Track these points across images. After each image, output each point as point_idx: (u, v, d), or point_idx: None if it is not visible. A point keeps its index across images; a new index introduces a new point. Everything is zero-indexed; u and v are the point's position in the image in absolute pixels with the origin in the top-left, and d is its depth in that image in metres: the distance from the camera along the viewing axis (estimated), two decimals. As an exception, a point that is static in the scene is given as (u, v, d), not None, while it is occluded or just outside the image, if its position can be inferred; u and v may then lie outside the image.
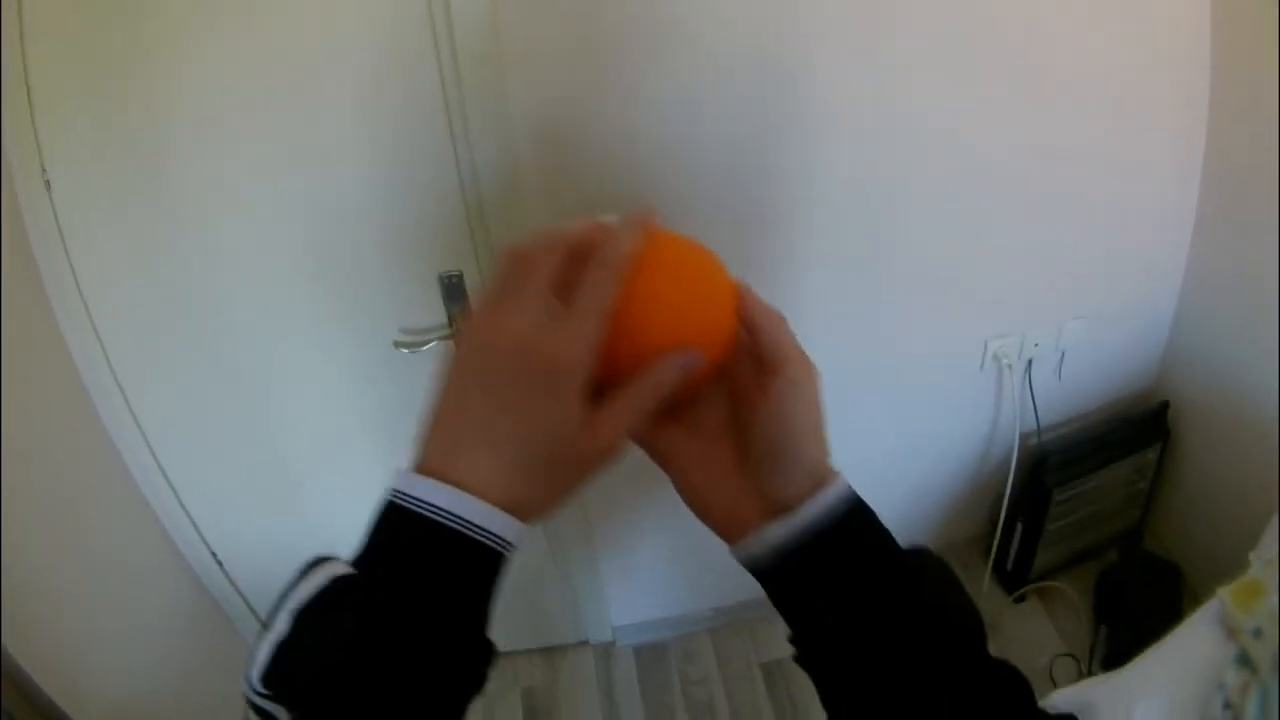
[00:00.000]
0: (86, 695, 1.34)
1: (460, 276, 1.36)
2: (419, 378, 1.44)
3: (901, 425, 1.71)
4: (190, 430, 1.55)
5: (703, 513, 0.47)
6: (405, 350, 1.38)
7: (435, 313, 1.39)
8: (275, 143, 1.23)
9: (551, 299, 0.40)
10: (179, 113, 1.19)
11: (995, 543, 1.87)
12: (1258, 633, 1.18)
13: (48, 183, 1.23)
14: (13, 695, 1.19)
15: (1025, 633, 1.90)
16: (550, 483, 0.41)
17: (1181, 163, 1.61)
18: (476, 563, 0.39)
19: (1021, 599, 1.94)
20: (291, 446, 1.57)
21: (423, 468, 0.40)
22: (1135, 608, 1.84)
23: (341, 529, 1.69)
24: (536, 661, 1.87)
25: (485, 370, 0.40)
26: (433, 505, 0.38)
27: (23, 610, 1.23)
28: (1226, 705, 1.12)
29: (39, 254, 1.29)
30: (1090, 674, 1.81)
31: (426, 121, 1.22)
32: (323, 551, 0.42)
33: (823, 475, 0.44)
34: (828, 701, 0.44)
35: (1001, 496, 1.80)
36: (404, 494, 0.39)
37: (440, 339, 1.38)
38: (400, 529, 0.39)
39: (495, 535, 0.39)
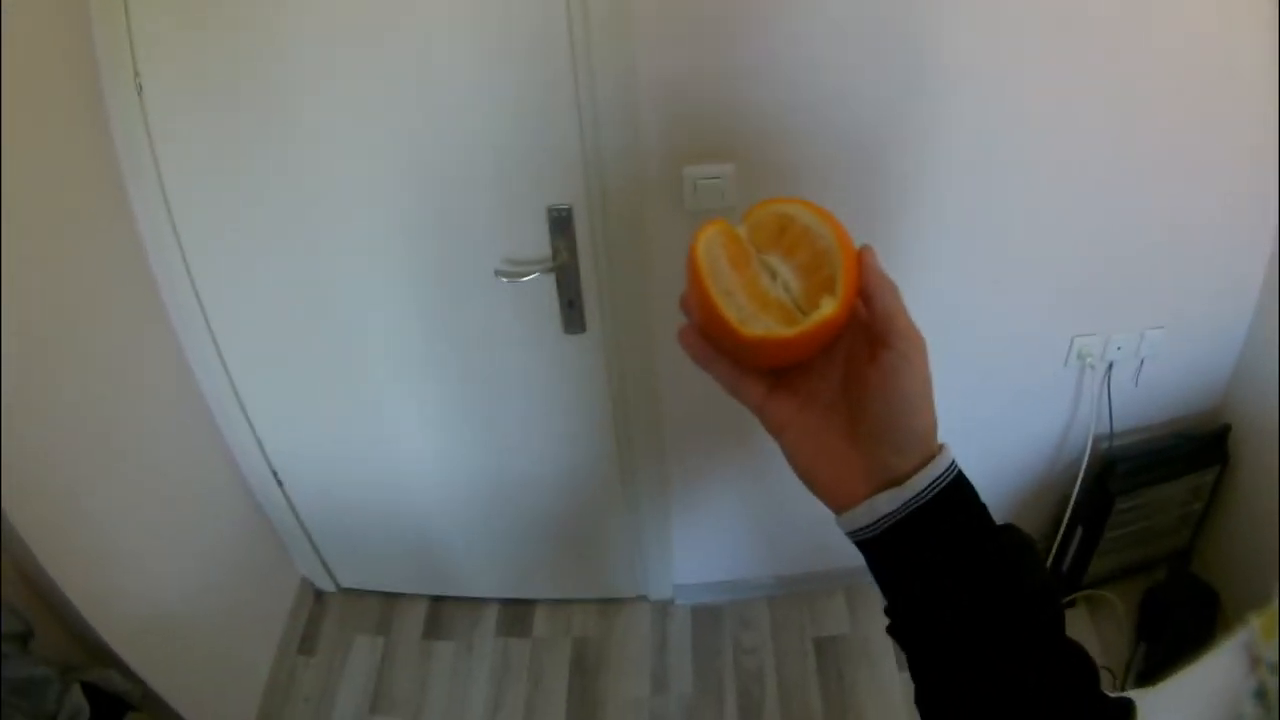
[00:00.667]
0: (114, 604, 1.32)
1: (569, 210, 1.36)
2: (514, 307, 1.46)
3: (977, 409, 1.70)
4: (267, 347, 1.55)
5: (811, 481, 0.48)
6: (505, 280, 1.39)
7: (540, 245, 1.39)
8: (391, 60, 1.23)
9: None
10: (280, 20, 1.18)
11: (1056, 543, 1.86)
12: (1272, 667, 1.17)
13: (140, 85, 1.23)
14: (28, 596, 1.17)
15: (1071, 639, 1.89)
16: None
17: (1264, 180, 1.60)
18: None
19: (1071, 604, 1.94)
20: (372, 369, 1.57)
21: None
22: (1175, 629, 1.84)
23: (408, 457, 1.69)
24: (592, 613, 1.87)
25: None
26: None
27: (60, 515, 1.22)
28: None
29: (124, 158, 1.29)
30: (1123, 689, 1.80)
31: (551, 56, 1.22)
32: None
33: (930, 448, 0.45)
34: (916, 672, 0.47)
35: (1067, 497, 1.79)
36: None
37: (542, 271, 1.39)
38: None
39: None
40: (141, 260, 1.41)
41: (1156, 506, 1.88)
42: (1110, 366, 1.70)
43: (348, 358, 1.57)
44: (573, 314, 1.44)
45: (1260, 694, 1.16)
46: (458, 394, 1.59)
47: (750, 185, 1.35)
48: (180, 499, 1.56)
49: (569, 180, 1.34)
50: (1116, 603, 1.94)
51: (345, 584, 1.92)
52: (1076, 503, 1.79)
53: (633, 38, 1.19)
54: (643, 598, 1.88)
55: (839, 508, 0.47)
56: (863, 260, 0.46)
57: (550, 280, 1.42)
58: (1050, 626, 0.45)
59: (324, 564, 1.87)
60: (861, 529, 0.46)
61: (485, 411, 1.60)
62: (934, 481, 0.44)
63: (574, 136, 1.30)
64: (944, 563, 0.44)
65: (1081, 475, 1.75)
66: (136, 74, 1.22)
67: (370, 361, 1.57)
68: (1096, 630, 1.92)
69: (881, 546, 0.45)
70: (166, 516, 1.51)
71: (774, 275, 0.46)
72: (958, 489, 0.45)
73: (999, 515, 1.71)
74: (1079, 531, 1.83)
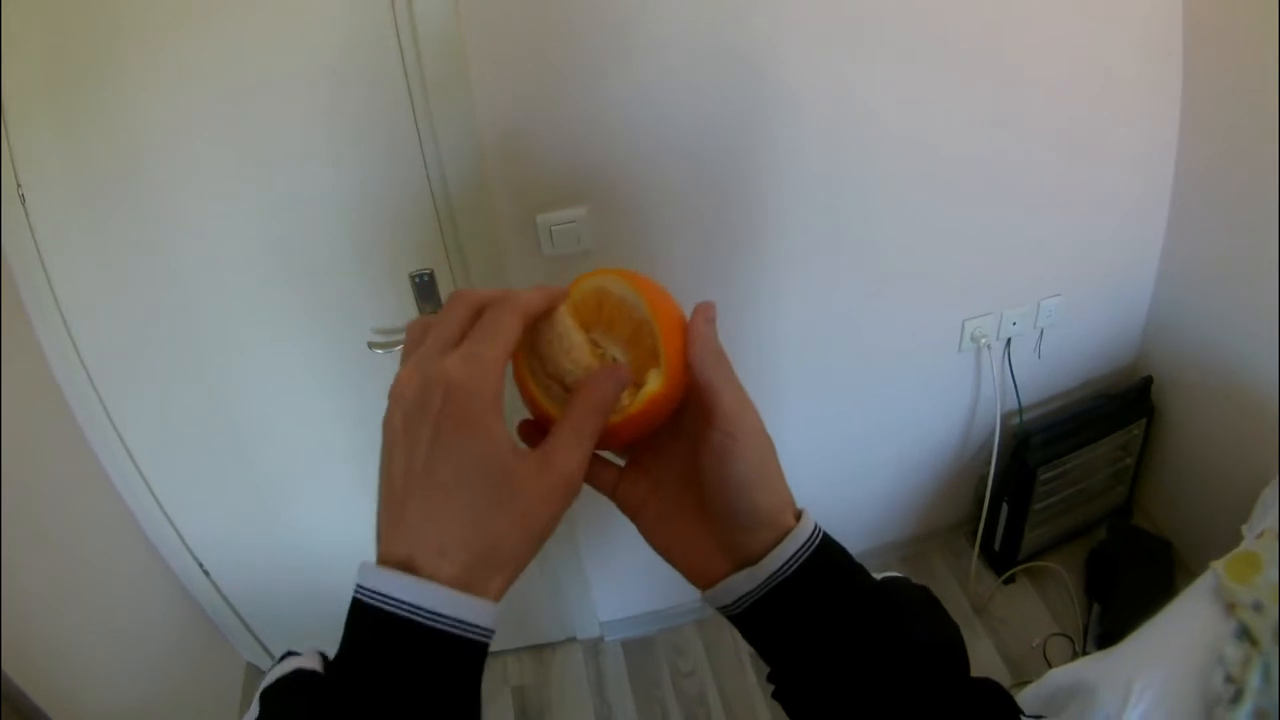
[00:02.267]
0: (76, 706, 1.34)
1: (431, 274, 1.36)
2: (392, 377, 1.45)
3: (882, 411, 1.71)
4: (170, 438, 1.55)
5: (671, 561, 0.46)
6: (379, 351, 1.38)
7: (408, 312, 1.39)
8: (241, 146, 1.22)
9: (447, 340, 0.38)
10: (147, 120, 1.18)
11: (981, 525, 1.87)
12: (1258, 606, 1.18)
13: (22, 197, 1.22)
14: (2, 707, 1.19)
15: (1016, 614, 1.90)
16: (509, 524, 0.37)
17: (1156, 139, 1.61)
18: (456, 657, 0.35)
19: (1011, 580, 1.94)
20: (271, 452, 1.57)
21: (382, 554, 0.37)
22: (1127, 584, 1.84)
23: (322, 532, 1.71)
24: (525, 660, 1.87)
25: (397, 425, 0.38)
26: (397, 600, 0.34)
27: (9, 622, 1.22)
28: (1228, 679, 1.13)
29: (15, 266, 1.29)
30: (1085, 652, 1.81)
31: (393, 123, 1.21)
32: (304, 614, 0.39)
33: (781, 525, 0.43)
34: None
35: (986, 478, 1.80)
36: (364, 588, 0.35)
37: (413, 338, 1.38)
38: (369, 627, 0.35)
39: (458, 621, 0.35)
40: (46, 371, 1.41)
41: (1085, 470, 1.88)
42: (1008, 343, 1.70)
43: (251, 447, 1.57)
44: (450, 376, 1.43)
45: (1243, 633, 1.18)
46: (358, 469, 1.58)
47: (605, 225, 1.34)
48: (118, 601, 1.57)
49: (427, 245, 1.34)
50: (1059, 570, 1.94)
51: (288, 665, 1.91)
52: (995, 481, 1.79)
53: (471, 93, 1.19)
54: (571, 639, 1.88)
55: (700, 586, 0.45)
56: (689, 326, 0.43)
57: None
58: (947, 673, 0.43)
59: (263, 646, 1.87)
60: (724, 607, 0.44)
61: (386, 482, 1.60)
62: (790, 559, 0.42)
63: (426, 200, 1.30)
64: (816, 631, 0.42)
65: (995, 454, 1.75)
66: (19, 185, 1.21)
67: (271, 447, 1.57)
68: (1044, 600, 1.93)
69: (748, 621, 0.44)
70: (109, 620, 1.52)
71: (602, 352, 0.44)
72: (822, 557, 0.43)
73: (923, 506, 1.75)
74: (1004, 509, 1.83)
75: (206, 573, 1.73)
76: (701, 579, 0.45)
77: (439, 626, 0.34)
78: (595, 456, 0.45)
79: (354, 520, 1.66)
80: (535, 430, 0.45)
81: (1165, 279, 1.81)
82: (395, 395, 0.38)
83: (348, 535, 1.68)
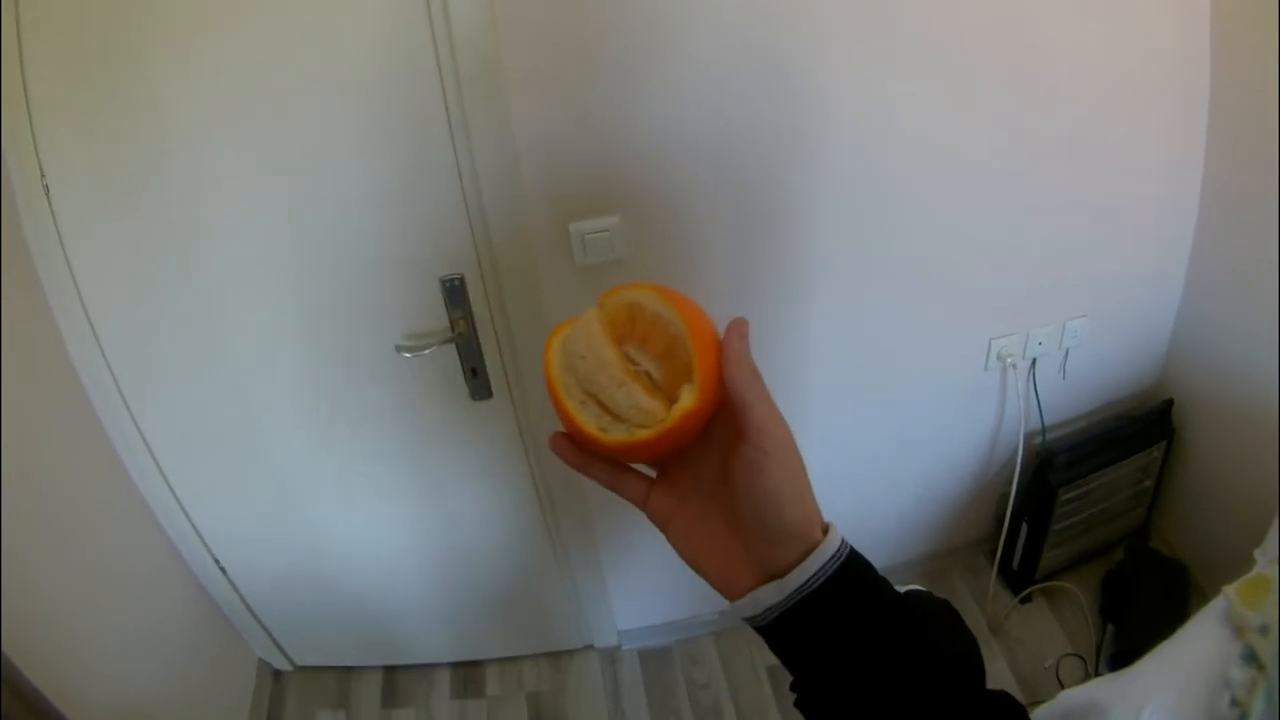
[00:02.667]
0: (88, 701, 1.34)
1: (461, 280, 1.35)
2: (420, 382, 1.45)
3: (906, 428, 1.71)
4: (192, 437, 1.55)
5: (698, 570, 0.47)
6: (408, 354, 1.38)
7: (437, 317, 1.38)
8: (270, 145, 1.22)
9: None
10: (176, 120, 1.18)
11: (1001, 543, 1.86)
12: (1264, 630, 1.18)
13: (46, 187, 1.23)
14: (12, 700, 1.18)
15: (1032, 633, 1.89)
16: None
17: (1182, 160, 1.60)
18: None
19: (1028, 599, 1.93)
20: (292, 451, 1.57)
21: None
22: (1142, 607, 1.83)
23: (341, 532, 1.71)
24: (543, 666, 1.86)
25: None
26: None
27: (24, 616, 1.22)
28: (1234, 703, 1.12)
29: (39, 260, 1.29)
30: (1097, 674, 1.80)
31: (426, 127, 1.21)
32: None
33: (809, 539, 0.43)
34: None
35: (1007, 497, 1.79)
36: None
37: (441, 343, 1.38)
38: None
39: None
40: (66, 363, 1.40)
41: (1105, 491, 1.87)
42: (1034, 363, 1.69)
43: (271, 445, 1.57)
44: (477, 382, 1.43)
45: (1249, 657, 1.17)
46: (380, 471, 1.58)
47: (638, 234, 1.34)
48: (133, 596, 1.57)
49: (459, 250, 1.34)
50: (1075, 591, 1.93)
51: (300, 662, 1.91)
52: (1016, 501, 1.78)
53: (507, 100, 1.19)
54: (589, 646, 1.88)
55: (727, 597, 0.46)
56: (723, 344, 0.44)
57: (452, 350, 1.41)
58: (964, 686, 0.44)
59: (277, 645, 1.87)
60: (750, 618, 0.45)
61: (408, 484, 1.60)
62: (815, 574, 0.43)
63: (458, 205, 1.29)
64: (840, 644, 0.43)
65: (1017, 473, 1.74)
66: (43, 175, 1.21)
67: (292, 446, 1.57)
68: (1059, 620, 1.92)
69: (774, 633, 0.44)
70: (123, 615, 1.52)
71: (636, 365, 0.45)
72: (848, 572, 0.43)
73: (944, 523, 1.74)
74: (1024, 528, 1.82)
75: (223, 569, 1.74)
76: (729, 590, 0.46)
77: None
78: (627, 469, 0.48)
79: (372, 521, 1.66)
80: (569, 443, 0.47)
81: (1189, 301, 1.81)
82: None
83: (366, 535, 1.68)
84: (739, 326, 0.45)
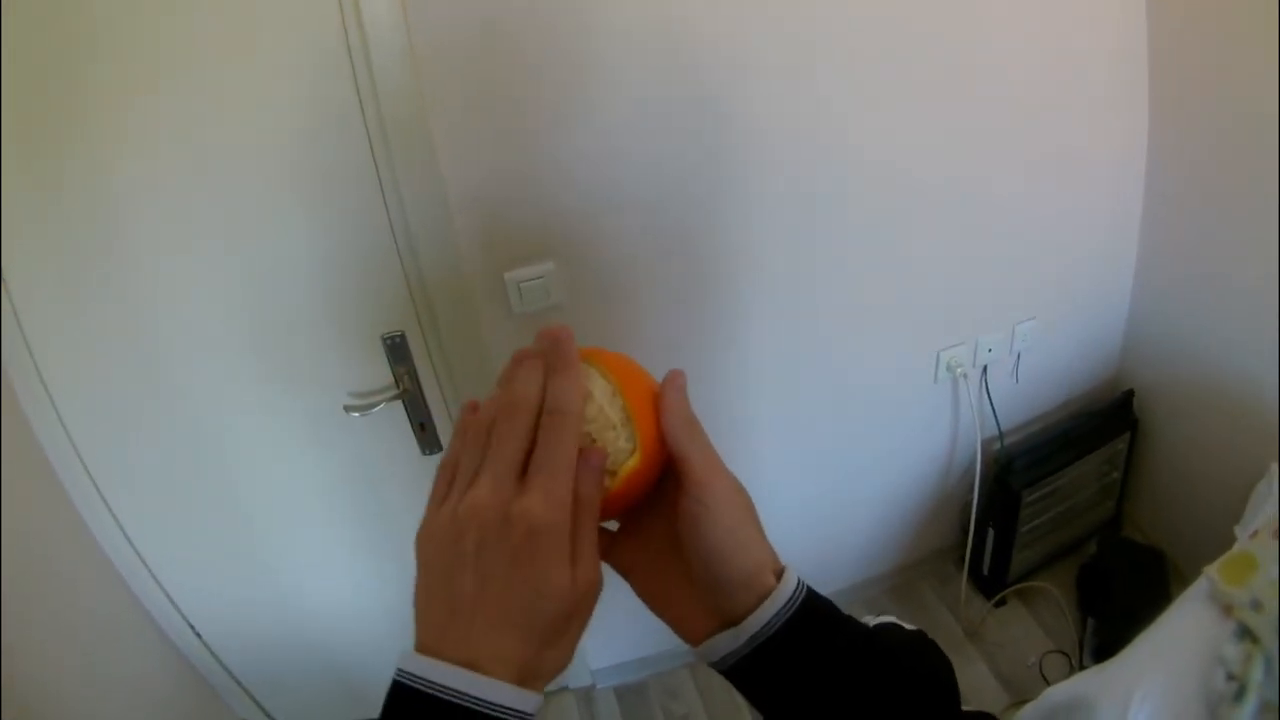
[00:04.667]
0: None
1: (402, 336, 1.36)
2: (371, 440, 1.46)
3: (860, 447, 1.71)
4: (156, 504, 1.55)
5: (662, 618, 0.48)
6: (355, 414, 1.39)
7: (382, 374, 1.39)
8: (208, 213, 1.23)
9: (517, 469, 0.41)
10: (118, 185, 1.19)
11: (968, 551, 1.86)
12: (1256, 605, 1.19)
13: (0, 276, 1.23)
14: None
15: (1010, 635, 1.89)
16: (558, 638, 0.41)
17: (1124, 157, 1.62)
18: None
19: (1002, 602, 1.94)
20: (255, 515, 1.57)
21: (426, 647, 0.39)
22: (1121, 596, 1.84)
23: (311, 591, 1.70)
24: (518, 709, 1.84)
25: (464, 549, 0.40)
26: (442, 686, 0.37)
27: (5, 691, 1.23)
28: (1229, 677, 1.14)
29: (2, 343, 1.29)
30: (1082, 668, 1.81)
31: (358, 186, 1.22)
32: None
33: (763, 585, 0.43)
34: None
35: (970, 505, 1.79)
36: (411, 675, 0.38)
37: (388, 400, 1.39)
38: (413, 710, 0.38)
39: (512, 709, 0.37)
40: (29, 434, 1.41)
41: (1070, 488, 1.88)
42: (985, 370, 1.70)
43: (234, 508, 1.57)
44: (426, 436, 1.44)
45: (1242, 633, 1.18)
46: (344, 530, 1.59)
47: (574, 278, 1.35)
48: (113, 668, 1.56)
49: (397, 306, 1.35)
50: (1051, 589, 1.94)
51: (283, 722, 1.91)
52: (979, 508, 1.79)
53: (434, 152, 1.20)
54: (564, 688, 1.87)
55: (689, 643, 0.47)
56: (660, 398, 0.45)
57: (399, 407, 1.42)
58: (938, 712, 0.44)
59: (260, 706, 1.87)
60: (712, 664, 0.45)
61: (372, 541, 1.60)
62: (770, 620, 0.43)
63: (394, 262, 1.30)
64: (803, 684, 0.43)
65: (978, 480, 1.75)
66: None
67: (255, 509, 1.57)
68: (1037, 620, 1.93)
69: (737, 677, 0.45)
70: (101, 685, 1.52)
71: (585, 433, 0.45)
72: (805, 615, 0.44)
73: (909, 536, 1.74)
74: (990, 534, 1.83)
75: (198, 634, 1.73)
76: (690, 636, 0.46)
77: (496, 715, 0.37)
78: None
79: (343, 579, 1.67)
80: None
81: (1141, 292, 1.82)
82: (470, 517, 0.40)
83: (338, 594, 1.69)
84: (674, 379, 0.46)
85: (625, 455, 0.44)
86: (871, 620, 0.48)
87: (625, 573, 0.49)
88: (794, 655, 0.43)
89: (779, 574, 0.44)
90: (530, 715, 0.39)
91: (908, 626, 0.49)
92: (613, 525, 0.50)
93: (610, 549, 0.49)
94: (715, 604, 0.44)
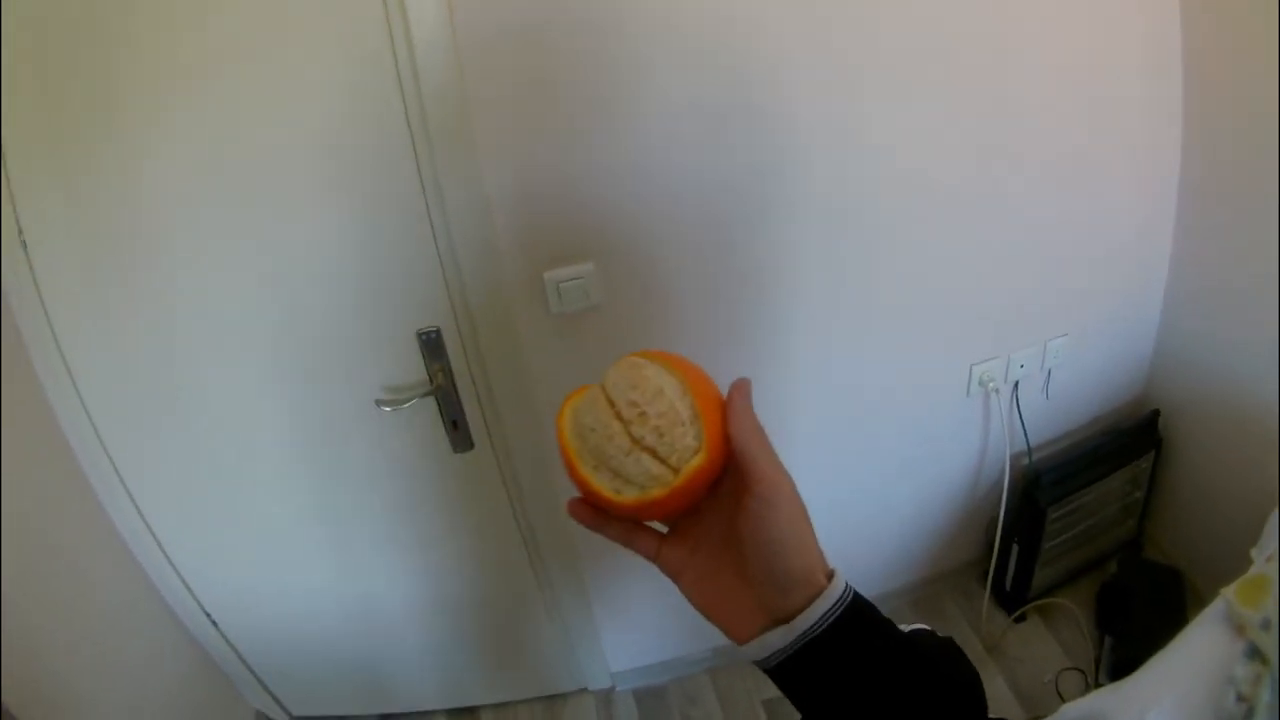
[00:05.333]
0: None
1: (438, 332, 1.35)
2: (402, 436, 1.45)
3: (889, 457, 1.71)
4: (178, 493, 1.55)
5: (710, 617, 0.49)
6: (387, 409, 1.38)
7: (416, 370, 1.38)
8: (244, 205, 1.22)
9: None
10: (149, 176, 1.18)
11: (993, 565, 1.86)
12: (1266, 625, 1.18)
13: (24, 244, 1.22)
14: None
15: (1029, 651, 1.89)
16: None
17: (1157, 174, 1.61)
18: None
19: (1022, 618, 1.93)
20: (280, 508, 1.57)
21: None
22: (1139, 616, 1.83)
23: (333, 584, 1.69)
24: (538, 711, 1.85)
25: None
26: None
27: (21, 676, 1.24)
28: (1239, 698, 1.13)
29: (20, 316, 1.28)
30: (1098, 685, 1.80)
31: (398, 182, 1.21)
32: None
33: (814, 585, 0.46)
34: None
35: (996, 520, 1.79)
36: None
37: (421, 396, 1.38)
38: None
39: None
40: (54, 425, 1.40)
41: (1095, 505, 1.87)
42: (1016, 385, 1.69)
43: (258, 502, 1.56)
44: (458, 434, 1.43)
45: (1252, 653, 1.17)
46: (367, 525, 1.58)
47: (613, 280, 1.34)
48: (127, 653, 1.57)
49: (434, 302, 1.34)
50: (1071, 606, 1.93)
51: (297, 713, 1.90)
52: (1005, 523, 1.78)
53: (476, 151, 1.19)
54: (583, 690, 1.87)
55: (736, 641, 0.48)
56: (728, 402, 0.48)
57: (432, 403, 1.41)
58: (969, 716, 0.46)
59: (273, 696, 1.86)
60: (759, 661, 0.47)
61: (395, 537, 1.59)
62: (820, 618, 0.45)
63: (432, 257, 1.29)
64: (846, 684, 0.45)
65: (1005, 496, 1.74)
66: (20, 231, 1.21)
67: (278, 502, 1.56)
68: (1055, 636, 1.92)
69: (782, 675, 0.47)
70: (117, 673, 1.52)
71: (642, 428, 0.47)
72: (852, 616, 0.45)
73: (934, 549, 1.74)
74: (1015, 549, 1.82)
75: (215, 623, 1.73)
76: (738, 634, 0.48)
77: None
78: (639, 526, 0.51)
79: (362, 573, 1.66)
80: (585, 507, 0.50)
81: (1171, 311, 1.81)
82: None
83: (357, 587, 1.68)
84: (742, 386, 0.49)
85: (690, 453, 0.46)
86: (906, 628, 0.49)
87: (675, 575, 0.51)
88: (839, 655, 0.45)
89: (829, 575, 0.47)
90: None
91: (939, 634, 0.51)
92: (661, 527, 0.52)
93: (660, 552, 0.51)
94: (768, 602, 0.46)
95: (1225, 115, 1.53)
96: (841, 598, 0.45)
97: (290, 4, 1.09)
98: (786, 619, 0.45)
